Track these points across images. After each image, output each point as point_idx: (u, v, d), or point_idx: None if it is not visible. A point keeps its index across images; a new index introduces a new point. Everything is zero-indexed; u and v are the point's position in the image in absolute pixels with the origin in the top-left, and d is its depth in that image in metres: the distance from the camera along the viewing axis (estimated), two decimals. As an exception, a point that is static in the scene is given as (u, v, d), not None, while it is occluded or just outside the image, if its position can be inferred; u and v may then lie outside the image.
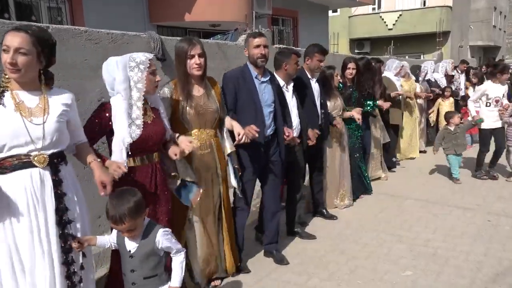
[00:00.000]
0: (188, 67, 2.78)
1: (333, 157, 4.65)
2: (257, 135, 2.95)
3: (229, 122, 3.01)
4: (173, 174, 2.64)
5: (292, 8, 12.25)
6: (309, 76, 4.18)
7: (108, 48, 3.40)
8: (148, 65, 2.42)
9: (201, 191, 2.77)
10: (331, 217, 4.47)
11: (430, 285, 3.07)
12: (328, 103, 4.47)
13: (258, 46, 3.17)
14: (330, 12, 14.75)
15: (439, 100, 7.90)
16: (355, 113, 4.71)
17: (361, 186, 5.18)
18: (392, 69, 6.52)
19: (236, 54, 4.73)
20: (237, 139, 2.89)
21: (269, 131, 3.31)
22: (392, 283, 3.12)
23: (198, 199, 2.76)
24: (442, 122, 7.82)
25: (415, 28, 20.07)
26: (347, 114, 4.74)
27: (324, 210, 4.53)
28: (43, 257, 1.91)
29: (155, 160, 2.52)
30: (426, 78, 7.82)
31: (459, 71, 9.34)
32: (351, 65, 4.91)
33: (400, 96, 6.35)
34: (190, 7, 8.34)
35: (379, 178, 5.89)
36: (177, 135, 2.72)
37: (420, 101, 7.36)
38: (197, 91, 2.87)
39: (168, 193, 2.64)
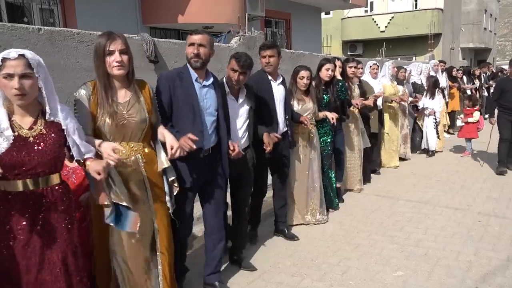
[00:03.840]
0: (108, 65, 2.31)
1: (302, 165, 4.20)
2: (194, 146, 2.55)
3: (161, 132, 2.56)
4: (105, 204, 2.24)
5: (285, 10, 12.29)
6: (269, 78, 3.70)
7: (100, 50, 3.40)
8: None
9: (138, 216, 2.35)
10: (292, 237, 3.99)
11: (421, 285, 3.10)
12: (297, 106, 4.11)
13: (191, 44, 2.74)
14: (322, 14, 14.82)
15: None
16: (329, 113, 4.26)
17: (328, 198, 4.66)
18: (367, 70, 6.18)
19: (229, 56, 4.74)
20: (169, 152, 2.46)
21: (210, 143, 2.88)
22: (384, 283, 3.15)
23: (138, 225, 2.33)
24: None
25: (407, 30, 20.23)
26: (320, 114, 4.32)
27: (286, 230, 4.05)
28: None
29: (43, 185, 2.02)
30: (411, 80, 7.63)
31: (439, 71, 9.18)
32: (330, 66, 4.49)
33: (380, 101, 5.98)
34: (183, 9, 8.34)
35: (351, 190, 5.44)
36: (98, 142, 2.28)
37: (405, 104, 6.93)
38: (121, 96, 2.41)
39: (70, 229, 2.11)
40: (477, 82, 10.98)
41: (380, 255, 3.62)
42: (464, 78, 10.28)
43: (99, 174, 2.06)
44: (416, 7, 21.02)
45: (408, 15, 20.50)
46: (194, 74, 2.79)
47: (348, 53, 21.63)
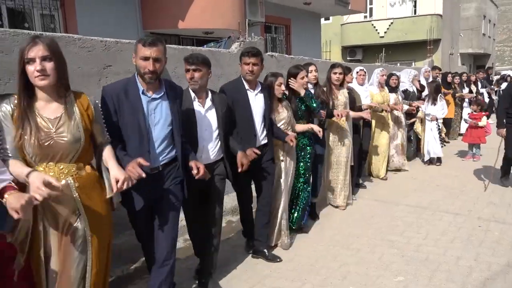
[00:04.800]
0: (29, 75, 2.00)
1: (284, 181, 3.83)
2: (144, 175, 2.27)
3: (105, 158, 2.28)
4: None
5: (285, 16, 12.35)
6: (247, 87, 3.44)
7: (101, 56, 3.43)
8: None
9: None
10: (274, 258, 3.64)
11: (421, 290, 3.10)
12: (272, 117, 3.73)
13: (146, 58, 2.43)
14: (322, 19, 14.90)
15: (421, 109, 7.25)
16: (315, 126, 3.97)
17: (304, 214, 4.30)
18: (355, 76, 5.73)
19: (230, 61, 4.77)
20: (114, 187, 2.16)
21: (158, 161, 2.59)
22: (384, 288, 3.15)
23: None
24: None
25: (406, 36, 20.32)
26: (302, 127, 4.00)
27: (266, 250, 3.69)
28: None
29: None
30: (403, 88, 7.14)
31: (432, 78, 8.86)
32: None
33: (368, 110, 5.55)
34: (183, 15, 8.38)
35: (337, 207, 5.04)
36: (26, 171, 1.95)
37: (397, 113, 6.57)
38: (51, 111, 2.08)
39: None
40: (473, 88, 10.93)
41: (380, 260, 3.62)
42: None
43: (17, 213, 1.77)
44: (415, 13, 21.12)
45: (407, 21, 20.59)
46: (141, 86, 2.51)
47: (348, 58, 21.71)
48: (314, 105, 4.05)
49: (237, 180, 3.39)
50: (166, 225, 2.66)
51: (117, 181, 2.15)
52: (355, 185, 5.70)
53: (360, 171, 5.90)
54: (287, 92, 4.01)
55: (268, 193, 3.67)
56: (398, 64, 13.88)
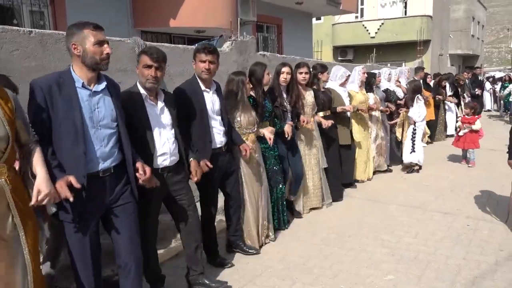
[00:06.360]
0: None
1: (255, 184, 3.80)
2: (71, 198, 2.08)
3: (34, 162, 2.06)
4: None
5: (277, 16, 12.37)
6: (203, 87, 3.22)
7: (92, 53, 3.39)
8: None
9: None
10: (251, 249, 3.72)
11: (411, 289, 3.13)
12: (241, 118, 3.61)
13: (101, 42, 2.25)
14: (314, 19, 14.95)
15: (403, 112, 6.95)
16: (266, 132, 3.78)
17: (281, 217, 4.29)
18: (337, 78, 5.50)
19: (221, 60, 4.72)
20: (33, 199, 1.95)
21: (108, 163, 2.33)
22: (375, 287, 3.17)
23: None
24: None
25: (396, 36, 20.48)
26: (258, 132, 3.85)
27: (242, 244, 3.74)
28: None
29: None
30: (383, 87, 6.92)
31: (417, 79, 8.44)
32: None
33: (348, 112, 5.40)
34: (175, 13, 8.34)
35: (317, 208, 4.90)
36: None
37: (376, 113, 6.40)
38: None
39: None
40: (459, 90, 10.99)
41: (372, 259, 3.64)
42: (447, 86, 10.09)
43: None
44: (405, 14, 21.29)
45: (397, 22, 20.75)
46: (79, 79, 2.23)
47: (339, 58, 21.81)
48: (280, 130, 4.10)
49: (205, 190, 3.33)
50: (125, 233, 2.44)
51: (38, 192, 1.95)
52: (347, 185, 5.71)
53: (341, 173, 5.54)
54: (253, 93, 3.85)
55: (236, 193, 3.62)
56: (389, 65, 13.95)
